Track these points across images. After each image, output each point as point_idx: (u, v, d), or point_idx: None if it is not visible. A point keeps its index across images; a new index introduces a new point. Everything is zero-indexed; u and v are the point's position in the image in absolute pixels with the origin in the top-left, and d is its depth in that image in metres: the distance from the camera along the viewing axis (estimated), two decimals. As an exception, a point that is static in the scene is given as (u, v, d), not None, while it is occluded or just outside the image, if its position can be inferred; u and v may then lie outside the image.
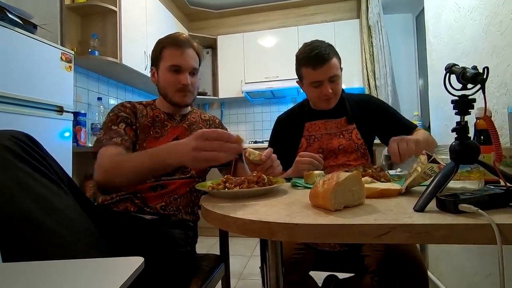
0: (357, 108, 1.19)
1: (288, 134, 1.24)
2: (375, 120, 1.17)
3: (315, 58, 1.07)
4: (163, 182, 0.98)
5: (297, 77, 1.21)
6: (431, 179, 0.55)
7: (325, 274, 1.14)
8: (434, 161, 0.60)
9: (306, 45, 1.13)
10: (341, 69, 1.15)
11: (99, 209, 0.91)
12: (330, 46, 1.11)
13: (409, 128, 1.16)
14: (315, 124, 1.20)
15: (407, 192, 0.66)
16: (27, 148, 0.62)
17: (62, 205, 0.61)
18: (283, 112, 1.35)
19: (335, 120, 1.18)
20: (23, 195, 0.57)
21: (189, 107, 1.17)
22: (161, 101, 1.11)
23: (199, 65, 1.11)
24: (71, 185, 0.71)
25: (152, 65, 1.10)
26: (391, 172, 0.90)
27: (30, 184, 0.58)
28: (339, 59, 1.13)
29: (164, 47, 1.05)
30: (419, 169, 0.61)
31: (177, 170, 1.02)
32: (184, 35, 1.09)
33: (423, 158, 0.61)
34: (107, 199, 0.97)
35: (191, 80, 1.05)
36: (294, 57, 1.18)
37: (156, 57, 1.07)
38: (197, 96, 3.48)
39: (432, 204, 0.50)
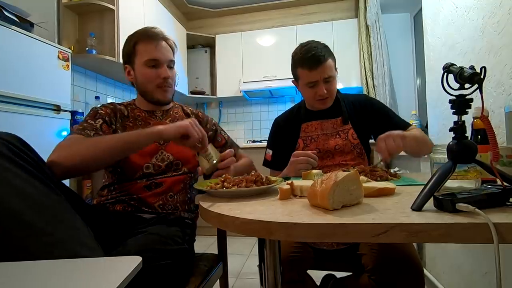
0: (353, 109, 1.20)
1: (285, 135, 1.25)
2: (370, 120, 1.18)
3: (310, 59, 1.07)
4: (156, 180, 0.97)
5: (293, 77, 1.22)
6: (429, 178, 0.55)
7: (323, 273, 1.15)
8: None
9: (302, 45, 1.13)
10: (336, 69, 1.16)
11: (94, 208, 0.91)
12: (326, 47, 1.12)
13: (402, 127, 1.13)
14: (311, 124, 1.21)
15: (404, 191, 0.66)
16: (15, 150, 0.62)
17: (51, 205, 0.61)
18: (281, 111, 1.36)
19: (331, 120, 1.19)
20: (11, 195, 0.57)
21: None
22: (140, 99, 1.08)
23: (174, 57, 1.09)
24: (62, 186, 0.70)
25: (125, 62, 1.06)
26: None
27: (18, 185, 0.58)
28: (335, 60, 1.14)
29: (137, 42, 1.02)
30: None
31: (169, 168, 1.01)
32: (156, 28, 1.06)
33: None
34: (102, 200, 0.96)
35: (170, 73, 1.03)
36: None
37: (130, 53, 1.03)
38: (195, 96, 3.50)
39: (430, 204, 0.50)
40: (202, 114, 1.21)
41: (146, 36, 1.01)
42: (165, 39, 1.05)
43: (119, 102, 1.09)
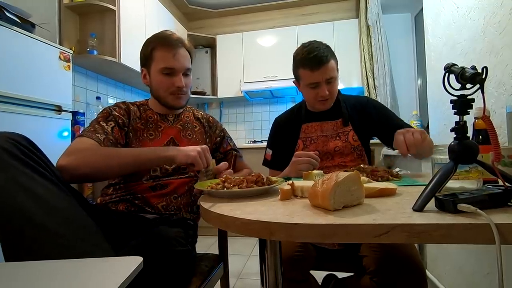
0: (354, 111, 1.19)
1: (285, 135, 1.24)
2: (372, 122, 1.17)
3: (313, 60, 1.07)
4: (162, 182, 0.98)
5: (294, 77, 1.21)
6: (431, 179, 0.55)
7: (324, 273, 1.14)
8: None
9: (304, 46, 1.12)
10: (338, 70, 1.15)
11: (97, 208, 0.91)
12: (328, 48, 1.11)
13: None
14: (311, 125, 1.21)
15: (405, 192, 0.66)
16: (24, 150, 0.62)
17: (61, 205, 0.61)
18: (282, 112, 1.35)
19: (331, 122, 1.18)
20: (22, 195, 0.57)
21: None
22: (154, 102, 1.08)
23: (191, 63, 1.08)
24: (69, 186, 0.71)
25: (142, 65, 1.07)
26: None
27: (28, 185, 0.58)
28: (336, 61, 1.13)
29: (155, 48, 1.01)
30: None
31: (176, 171, 1.02)
32: (175, 34, 1.04)
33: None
34: (106, 199, 0.96)
35: (185, 81, 1.03)
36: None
37: (146, 58, 1.03)
38: (196, 96, 3.50)
39: (431, 204, 0.50)
40: (213, 119, 1.22)
41: (165, 43, 1.00)
42: (184, 45, 1.04)
43: (131, 101, 1.09)
